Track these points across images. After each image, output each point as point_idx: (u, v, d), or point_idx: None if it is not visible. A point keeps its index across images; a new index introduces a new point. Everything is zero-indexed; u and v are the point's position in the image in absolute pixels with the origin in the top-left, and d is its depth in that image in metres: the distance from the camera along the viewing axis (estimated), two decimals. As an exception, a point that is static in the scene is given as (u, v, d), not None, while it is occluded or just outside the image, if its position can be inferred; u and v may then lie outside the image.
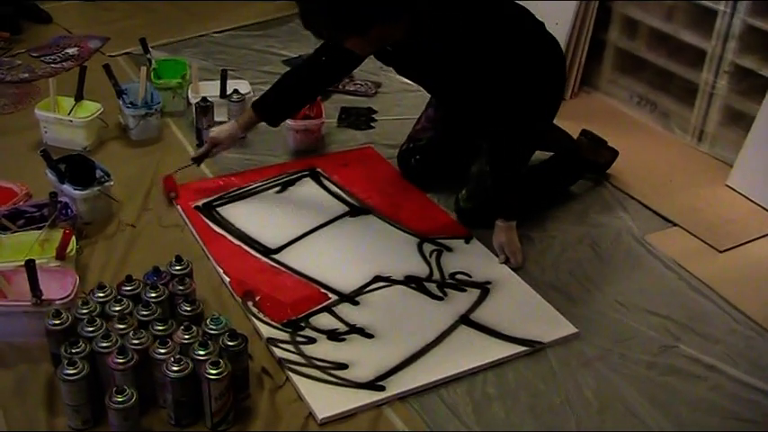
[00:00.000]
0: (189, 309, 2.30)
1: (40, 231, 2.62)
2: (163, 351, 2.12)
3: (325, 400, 2.23)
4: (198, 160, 3.12)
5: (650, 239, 2.97)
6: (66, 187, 2.83)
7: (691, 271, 2.83)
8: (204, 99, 3.35)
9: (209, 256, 2.75)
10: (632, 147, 3.48)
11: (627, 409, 2.29)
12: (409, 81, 3.57)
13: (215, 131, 3.09)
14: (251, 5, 4.84)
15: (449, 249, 2.84)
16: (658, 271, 2.84)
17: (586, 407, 2.29)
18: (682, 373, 2.42)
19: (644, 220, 3.09)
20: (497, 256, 2.81)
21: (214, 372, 2.05)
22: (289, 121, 3.34)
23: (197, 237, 2.85)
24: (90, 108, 3.36)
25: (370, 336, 2.46)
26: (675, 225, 3.06)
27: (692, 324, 2.60)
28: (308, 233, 2.90)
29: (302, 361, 2.36)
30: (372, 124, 3.65)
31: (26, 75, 3.96)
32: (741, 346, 2.54)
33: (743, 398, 2.35)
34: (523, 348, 2.45)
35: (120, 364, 2.08)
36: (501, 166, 2.79)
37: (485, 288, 2.68)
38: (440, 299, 2.62)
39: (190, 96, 3.51)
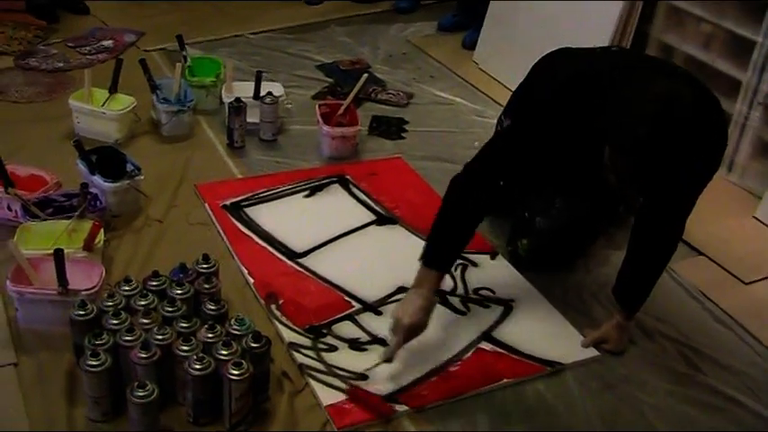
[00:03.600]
0: (213, 308, 2.31)
1: (68, 221, 2.63)
2: (186, 348, 2.13)
3: (344, 410, 2.23)
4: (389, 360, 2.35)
5: (676, 267, 2.95)
6: (97, 179, 2.85)
7: (715, 301, 2.81)
8: (238, 99, 3.36)
9: (234, 255, 2.76)
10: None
11: (644, 436, 2.29)
12: (444, 94, 3.59)
13: (404, 318, 2.30)
14: (287, 9, 4.87)
15: (474, 264, 2.83)
16: (682, 299, 2.83)
17: (604, 431, 2.28)
18: (701, 404, 2.41)
19: (670, 247, 3.07)
20: (582, 334, 2.60)
21: (236, 372, 2.06)
22: (325, 127, 3.35)
23: (223, 236, 2.86)
24: (123, 101, 3.38)
25: None
26: (702, 254, 3.04)
27: (714, 354, 2.59)
28: (333, 239, 2.91)
29: (323, 368, 2.36)
30: (403, 135, 3.65)
31: (61, 64, 3.98)
32: (762, 380, 2.52)
33: (762, 432, 2.35)
34: (544, 368, 2.44)
35: (143, 358, 2.09)
36: (651, 261, 2.52)
37: (508, 305, 2.67)
38: (463, 313, 2.62)
39: (223, 95, 3.52)
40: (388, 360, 2.32)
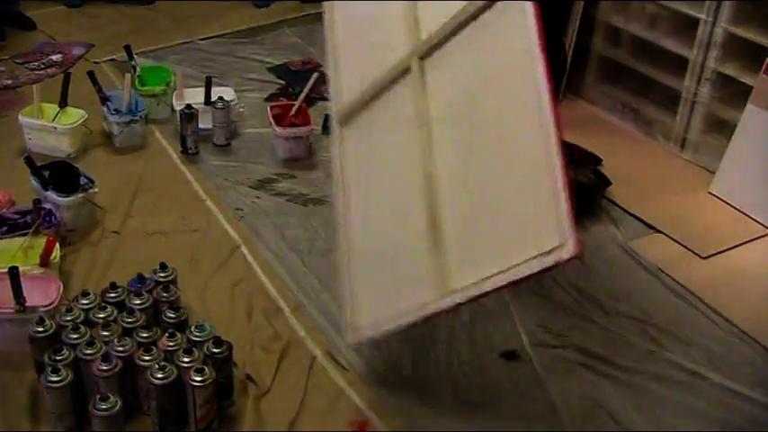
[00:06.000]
0: (173, 316, 2.30)
1: (23, 238, 2.61)
2: (147, 358, 2.12)
3: None
4: None
5: (634, 246, 2.98)
6: (50, 194, 2.82)
7: (674, 277, 2.84)
8: (189, 106, 3.34)
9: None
10: (616, 154, 3.49)
11: (610, 415, 2.30)
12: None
13: None
14: (236, 13, 4.85)
15: None
16: (642, 277, 2.86)
17: (570, 412, 2.30)
18: (665, 379, 2.44)
19: (628, 226, 3.10)
20: None
21: (199, 379, 2.05)
22: (277, 129, 3.34)
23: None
24: (74, 115, 3.36)
25: None
26: (659, 232, 3.08)
27: (676, 330, 2.62)
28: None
29: None
30: (357, 131, 3.65)
31: (9, 81, 3.94)
32: (724, 352, 2.55)
33: (726, 403, 2.37)
34: None
35: (105, 371, 2.08)
36: None
37: None
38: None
39: (174, 103, 3.51)
40: None
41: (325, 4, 2.79)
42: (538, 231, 1.86)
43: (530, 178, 1.92)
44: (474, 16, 2.18)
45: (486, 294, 1.94)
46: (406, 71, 2.39)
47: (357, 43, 2.68)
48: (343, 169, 2.57)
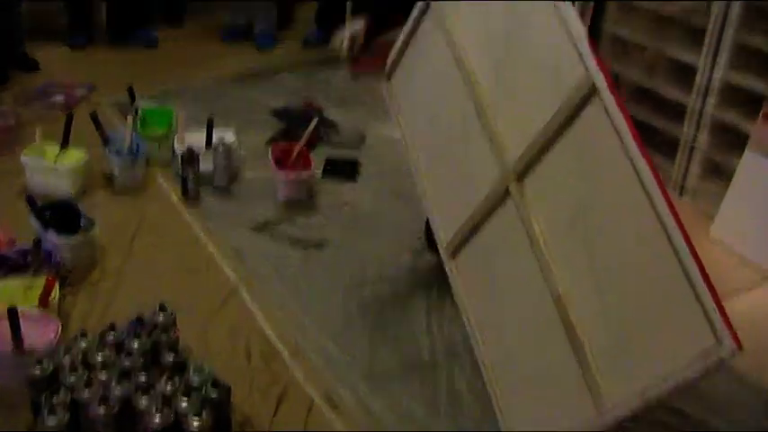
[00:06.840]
0: (172, 358, 2.29)
1: (23, 278, 2.61)
2: (145, 401, 2.10)
3: None
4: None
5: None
6: (50, 234, 2.83)
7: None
8: (190, 149, 3.35)
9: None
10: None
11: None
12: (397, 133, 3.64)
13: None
14: (239, 56, 4.90)
15: None
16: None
17: None
18: (665, 427, 2.43)
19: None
20: None
21: (196, 423, 2.04)
22: (278, 172, 3.35)
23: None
24: (75, 155, 3.37)
25: None
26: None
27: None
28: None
29: None
30: (357, 176, 3.67)
31: (12, 121, 3.95)
32: (725, 399, 2.55)
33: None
34: None
35: (102, 413, 2.06)
36: None
37: None
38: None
39: (175, 146, 3.52)
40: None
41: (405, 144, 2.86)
42: (688, 332, 1.78)
43: (663, 278, 1.85)
44: (565, 126, 2.11)
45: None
46: (504, 194, 2.33)
47: (445, 176, 2.67)
48: (468, 305, 2.53)
